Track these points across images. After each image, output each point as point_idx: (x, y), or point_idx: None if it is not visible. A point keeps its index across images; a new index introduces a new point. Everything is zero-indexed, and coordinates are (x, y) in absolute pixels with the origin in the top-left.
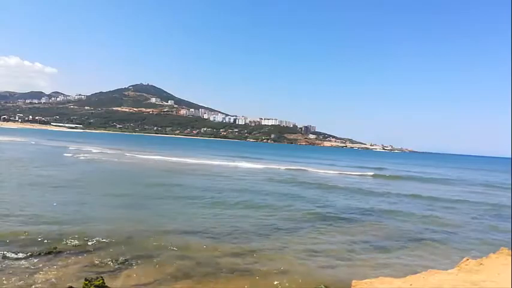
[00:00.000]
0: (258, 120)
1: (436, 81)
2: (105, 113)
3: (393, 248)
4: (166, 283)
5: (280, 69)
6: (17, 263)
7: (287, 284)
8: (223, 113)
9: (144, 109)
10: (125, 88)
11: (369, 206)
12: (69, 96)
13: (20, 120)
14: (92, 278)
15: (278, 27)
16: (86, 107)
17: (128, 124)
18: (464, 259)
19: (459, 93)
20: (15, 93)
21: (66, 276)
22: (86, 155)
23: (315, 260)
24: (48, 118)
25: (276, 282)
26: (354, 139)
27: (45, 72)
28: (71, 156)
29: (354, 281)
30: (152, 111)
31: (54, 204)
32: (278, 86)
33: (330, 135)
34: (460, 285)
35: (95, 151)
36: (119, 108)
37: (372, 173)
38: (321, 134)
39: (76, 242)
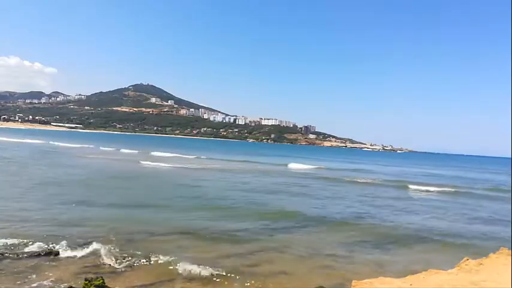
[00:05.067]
0: (258, 120)
1: (436, 81)
2: (105, 113)
3: (393, 248)
4: (167, 284)
5: (280, 69)
6: (17, 262)
7: (287, 285)
8: (223, 113)
9: (144, 109)
10: (125, 88)
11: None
12: (69, 96)
13: (20, 120)
14: (91, 278)
15: (278, 27)
16: (86, 107)
17: (128, 124)
18: (464, 259)
19: (459, 93)
20: (15, 93)
21: (66, 276)
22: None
23: (315, 260)
24: (48, 118)
25: (276, 283)
26: (354, 139)
27: (45, 72)
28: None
29: (354, 281)
30: (152, 111)
31: (55, 204)
32: (278, 86)
33: (330, 135)
34: (460, 285)
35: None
36: (119, 108)
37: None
38: (321, 134)
39: (76, 242)
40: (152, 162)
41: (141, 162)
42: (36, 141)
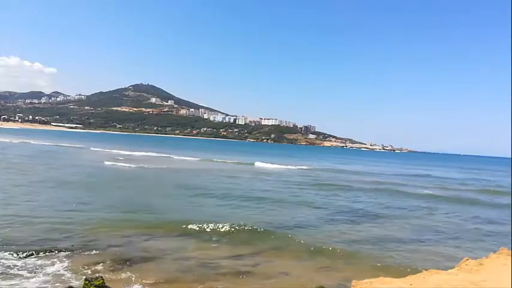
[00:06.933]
0: (258, 120)
1: (436, 81)
2: (105, 113)
3: (393, 247)
4: (166, 284)
5: (280, 69)
6: (17, 262)
7: (287, 285)
8: (223, 113)
9: (144, 109)
10: (125, 88)
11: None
12: (69, 96)
13: (20, 120)
14: (91, 278)
15: (278, 28)
16: (86, 107)
17: (128, 124)
18: (464, 259)
19: (459, 93)
20: (15, 93)
21: (66, 276)
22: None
23: (315, 260)
24: (48, 118)
25: (276, 283)
26: (354, 139)
27: (45, 72)
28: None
29: (353, 281)
30: (152, 111)
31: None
32: (278, 86)
33: (330, 135)
34: (460, 285)
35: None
36: (119, 108)
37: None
38: (321, 134)
39: (77, 241)
40: (116, 162)
41: (105, 162)
42: (22, 140)
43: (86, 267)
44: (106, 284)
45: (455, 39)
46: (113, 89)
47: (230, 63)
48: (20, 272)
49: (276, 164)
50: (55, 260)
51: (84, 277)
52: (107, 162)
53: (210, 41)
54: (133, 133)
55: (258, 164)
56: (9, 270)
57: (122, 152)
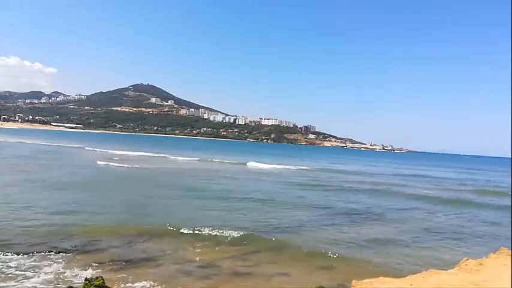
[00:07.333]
0: (258, 120)
1: (436, 81)
2: (105, 113)
3: (393, 248)
4: (166, 284)
5: (280, 69)
6: (17, 262)
7: (287, 285)
8: (223, 113)
9: (144, 109)
10: (125, 88)
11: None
12: (69, 96)
13: (20, 120)
14: (92, 278)
15: (278, 28)
16: (86, 107)
17: (128, 124)
18: (464, 259)
19: (459, 93)
20: (15, 93)
21: (66, 276)
22: None
23: (315, 261)
24: (48, 118)
25: (276, 284)
26: (354, 139)
27: (45, 72)
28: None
29: (354, 281)
30: (152, 111)
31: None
32: (278, 86)
33: (330, 135)
34: (460, 285)
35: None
36: (119, 108)
37: None
38: (321, 134)
39: (76, 242)
40: (109, 162)
41: (98, 162)
42: (19, 140)
43: (86, 268)
44: (106, 284)
45: (455, 39)
46: (113, 89)
47: (230, 63)
48: (20, 272)
49: (275, 165)
50: (55, 260)
51: (84, 277)
52: (100, 162)
53: (210, 41)
54: (133, 133)
55: (258, 165)
56: (9, 270)
57: (119, 152)
